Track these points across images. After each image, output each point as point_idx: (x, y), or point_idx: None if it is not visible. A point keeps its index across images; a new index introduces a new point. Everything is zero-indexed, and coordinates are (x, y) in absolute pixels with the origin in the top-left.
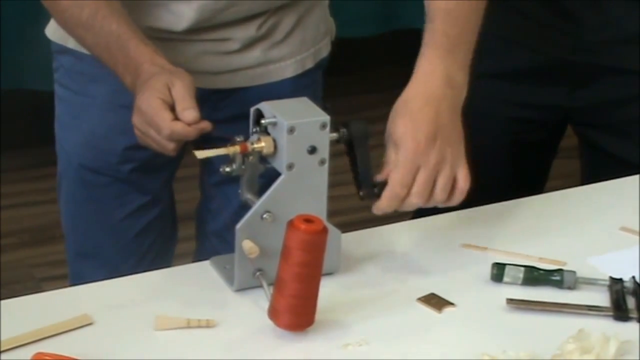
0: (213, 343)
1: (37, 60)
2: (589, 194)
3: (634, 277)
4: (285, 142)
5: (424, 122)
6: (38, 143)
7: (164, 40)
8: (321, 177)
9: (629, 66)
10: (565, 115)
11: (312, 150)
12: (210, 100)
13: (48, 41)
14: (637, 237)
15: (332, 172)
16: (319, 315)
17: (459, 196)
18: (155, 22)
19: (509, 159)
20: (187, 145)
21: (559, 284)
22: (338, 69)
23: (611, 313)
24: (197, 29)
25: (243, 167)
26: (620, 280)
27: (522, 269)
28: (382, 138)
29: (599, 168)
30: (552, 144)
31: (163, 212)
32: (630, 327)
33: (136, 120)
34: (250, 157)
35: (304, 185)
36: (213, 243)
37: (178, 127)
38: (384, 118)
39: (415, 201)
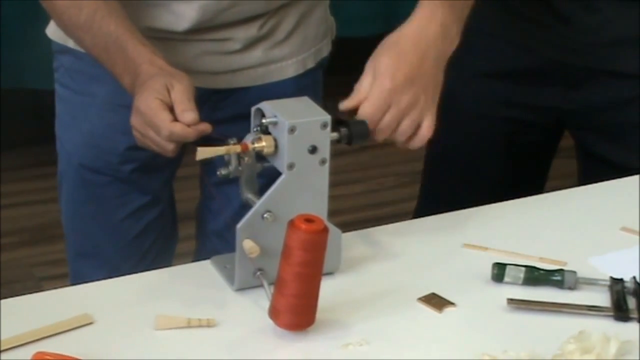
0: (213, 343)
1: (37, 59)
2: (589, 194)
3: (634, 277)
4: (286, 142)
5: (407, 63)
6: (38, 142)
7: (164, 40)
8: (322, 176)
9: (622, 69)
10: (561, 117)
11: (313, 149)
12: (211, 100)
13: (48, 40)
14: (638, 237)
15: (333, 172)
16: (319, 315)
17: (418, 142)
18: (156, 23)
19: (506, 160)
20: (186, 146)
21: (560, 284)
22: (338, 69)
23: (612, 313)
24: (198, 29)
25: (239, 168)
26: (621, 280)
27: (523, 269)
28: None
29: (593, 172)
30: (549, 145)
31: (163, 211)
32: (631, 327)
33: (135, 121)
34: (246, 158)
35: (304, 185)
36: (213, 242)
37: (177, 128)
38: None
39: (378, 137)
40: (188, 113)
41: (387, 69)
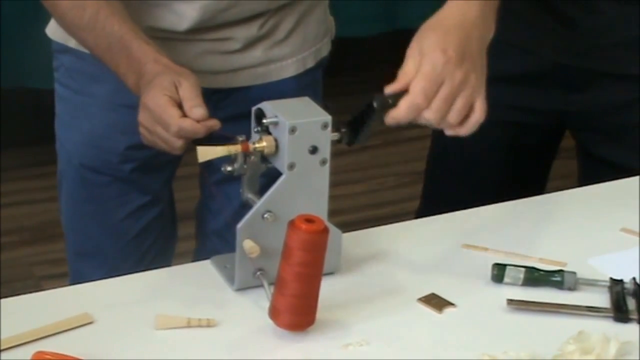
0: (213, 342)
1: (37, 58)
2: (589, 195)
3: (634, 278)
4: (287, 142)
5: (456, 39)
6: (38, 141)
7: (165, 40)
8: (322, 177)
9: (625, 71)
10: (563, 120)
11: (314, 150)
12: (211, 99)
13: (48, 39)
14: (638, 238)
15: (333, 172)
16: (319, 315)
17: (471, 126)
18: (157, 22)
19: (508, 162)
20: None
21: (560, 285)
22: (338, 69)
23: (611, 314)
24: (199, 29)
25: (245, 166)
26: (621, 281)
27: (523, 269)
28: (382, 137)
29: (593, 173)
30: (550, 146)
31: (163, 211)
32: (631, 328)
33: (143, 118)
34: (252, 157)
35: (305, 185)
36: (213, 242)
37: (186, 123)
38: None
39: (431, 116)
40: (197, 109)
41: (437, 44)
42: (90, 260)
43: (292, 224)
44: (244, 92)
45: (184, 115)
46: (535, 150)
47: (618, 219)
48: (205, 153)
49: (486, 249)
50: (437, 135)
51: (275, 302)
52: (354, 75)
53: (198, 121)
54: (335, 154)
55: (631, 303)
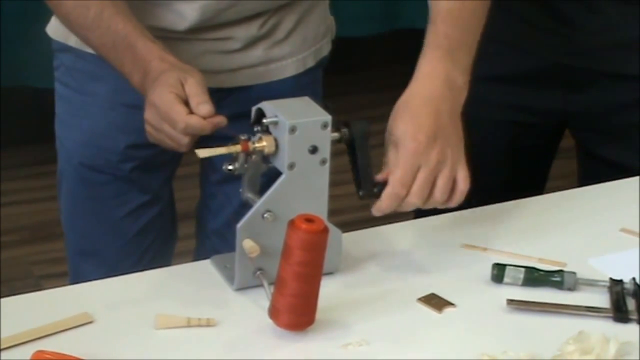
0: (213, 342)
1: (37, 57)
2: (589, 195)
3: (634, 279)
4: (287, 142)
5: (425, 121)
6: (38, 140)
7: (165, 39)
8: (322, 176)
9: (625, 71)
10: (563, 120)
11: (314, 149)
12: (212, 99)
13: (48, 38)
14: (638, 239)
15: (333, 172)
16: (319, 315)
17: (458, 197)
18: (157, 22)
19: (507, 162)
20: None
21: (559, 285)
22: (338, 68)
23: (611, 314)
24: (199, 28)
25: (246, 165)
26: (621, 281)
27: (523, 269)
28: (382, 137)
29: (593, 173)
30: (550, 146)
31: (163, 210)
32: (630, 328)
33: (149, 115)
34: (253, 156)
35: (305, 185)
36: (213, 242)
37: (193, 120)
38: (384, 118)
39: (414, 201)
40: (204, 105)
41: (406, 132)
42: (90, 260)
43: (292, 223)
44: (244, 91)
45: (191, 112)
46: (535, 150)
47: (618, 219)
48: (206, 149)
49: (486, 249)
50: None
51: (275, 302)
52: (354, 75)
53: (205, 118)
54: (335, 154)
55: (631, 303)
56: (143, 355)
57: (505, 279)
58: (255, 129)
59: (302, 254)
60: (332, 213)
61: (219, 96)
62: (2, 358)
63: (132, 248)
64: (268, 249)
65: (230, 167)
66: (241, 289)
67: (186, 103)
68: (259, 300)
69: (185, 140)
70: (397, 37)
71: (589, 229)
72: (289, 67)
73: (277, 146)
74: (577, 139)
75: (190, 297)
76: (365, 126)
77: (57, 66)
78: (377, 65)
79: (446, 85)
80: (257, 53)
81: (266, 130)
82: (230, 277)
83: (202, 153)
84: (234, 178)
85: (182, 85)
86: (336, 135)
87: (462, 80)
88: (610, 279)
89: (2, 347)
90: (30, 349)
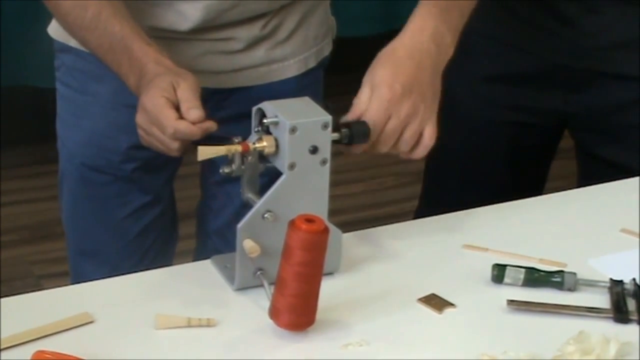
0: (213, 342)
1: (38, 57)
2: (589, 195)
3: (634, 279)
4: (287, 142)
5: (404, 72)
6: (39, 140)
7: (167, 39)
8: (322, 177)
9: (625, 71)
10: (562, 120)
11: (314, 150)
12: (213, 99)
13: (49, 38)
14: (638, 239)
15: (333, 172)
16: (319, 315)
17: (421, 151)
18: (160, 22)
19: (507, 162)
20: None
21: (560, 286)
22: (339, 68)
23: (611, 315)
24: (201, 29)
25: (243, 167)
26: (621, 282)
27: (523, 270)
28: None
29: (593, 173)
30: (549, 146)
31: (164, 211)
32: (631, 329)
33: (140, 119)
34: (249, 157)
35: (305, 185)
36: (214, 241)
37: (182, 125)
38: None
39: (381, 148)
40: (194, 110)
41: (384, 80)
42: (90, 260)
43: (292, 223)
44: (245, 92)
45: (181, 117)
46: (534, 151)
47: (618, 219)
48: (205, 152)
49: (486, 250)
50: (437, 135)
51: (275, 302)
52: (355, 75)
53: (194, 123)
54: (335, 154)
55: (631, 304)
56: (143, 355)
57: (506, 280)
58: (256, 129)
59: (303, 254)
60: (332, 213)
61: (221, 96)
62: (2, 358)
63: (133, 248)
64: (268, 249)
65: (226, 170)
66: (241, 289)
67: (178, 107)
68: (259, 301)
69: (174, 145)
70: None
71: (589, 229)
72: (290, 68)
73: (277, 146)
74: (576, 139)
75: (190, 297)
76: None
77: (58, 66)
78: None
79: (433, 41)
80: (259, 53)
81: (267, 131)
82: (230, 277)
83: (202, 155)
84: (234, 178)
85: (175, 89)
86: (336, 135)
87: (450, 39)
88: (611, 279)
89: (2, 347)
90: (31, 349)
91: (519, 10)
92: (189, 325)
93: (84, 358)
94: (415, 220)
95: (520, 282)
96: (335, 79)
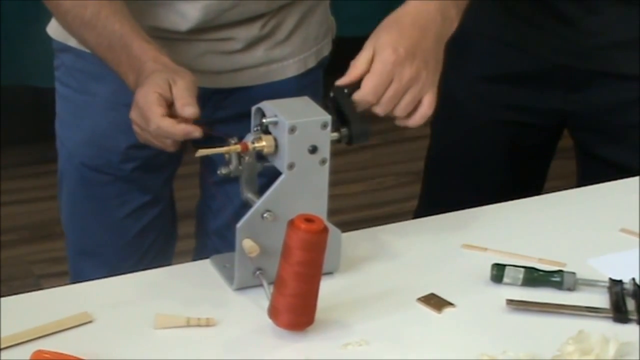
0: (213, 342)
1: (38, 56)
2: (589, 195)
3: (633, 279)
4: (286, 142)
5: (409, 37)
6: (38, 139)
7: (167, 40)
8: (322, 176)
9: (625, 71)
10: (562, 120)
11: (313, 149)
12: (212, 99)
13: (49, 37)
14: (637, 239)
15: (333, 171)
16: (318, 315)
17: (419, 119)
18: (159, 22)
19: (506, 162)
20: (187, 144)
21: (559, 285)
22: (338, 69)
23: (611, 315)
24: (201, 29)
25: (240, 167)
26: (620, 281)
27: (522, 269)
28: (382, 137)
29: (592, 173)
30: (549, 146)
31: (163, 210)
32: (630, 328)
33: (133, 114)
34: (247, 157)
35: (304, 185)
36: (213, 241)
37: (165, 123)
38: (384, 117)
39: (379, 110)
40: (188, 107)
41: (389, 43)
42: (90, 260)
43: (291, 223)
44: (245, 92)
45: (173, 114)
46: (534, 150)
47: (617, 219)
48: (204, 150)
49: (485, 249)
50: (436, 135)
51: (274, 302)
52: None
53: (189, 120)
54: (334, 154)
55: (630, 304)
56: (142, 355)
57: (505, 279)
58: (255, 129)
59: (302, 253)
60: (332, 213)
61: (220, 97)
62: (1, 357)
63: (133, 248)
64: (268, 249)
65: (224, 171)
66: (241, 288)
67: (171, 104)
68: (259, 300)
69: (167, 140)
70: None
71: (589, 229)
72: (290, 68)
73: (276, 146)
74: (576, 139)
75: (189, 296)
76: (365, 128)
77: (57, 66)
78: None
79: (439, 12)
80: (259, 54)
81: (266, 130)
82: (229, 277)
83: (201, 152)
84: (233, 178)
85: (170, 87)
86: (336, 135)
87: (454, 12)
88: (610, 279)
89: (1, 346)
90: (30, 349)
91: (519, 10)
92: (188, 325)
93: (83, 358)
94: (414, 220)
95: (520, 282)
96: (335, 79)
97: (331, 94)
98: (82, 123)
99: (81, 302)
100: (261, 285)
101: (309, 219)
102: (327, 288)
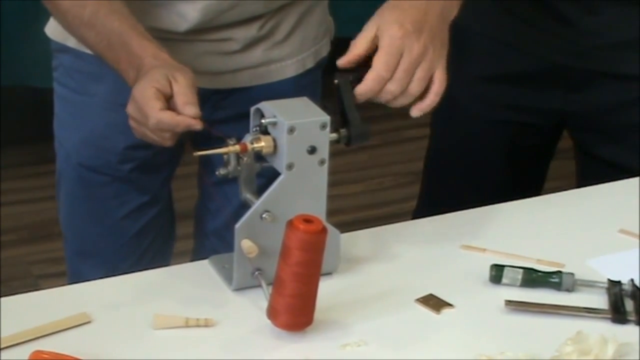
0: (211, 342)
1: (36, 57)
2: (588, 196)
3: (632, 280)
4: (285, 142)
5: (413, 15)
6: (37, 139)
7: (165, 40)
8: (321, 177)
9: (624, 71)
10: (562, 120)
11: (312, 150)
12: (211, 100)
13: (48, 38)
14: (636, 240)
15: (332, 172)
16: (317, 315)
17: (432, 97)
18: (158, 23)
19: (506, 162)
20: (185, 144)
21: (558, 286)
22: (337, 69)
23: (609, 315)
24: (199, 30)
25: (238, 168)
26: (619, 282)
27: (521, 270)
28: (382, 138)
29: (592, 173)
30: (548, 146)
31: (162, 211)
32: (629, 329)
33: (130, 109)
34: (246, 158)
35: (303, 185)
36: (212, 242)
37: (165, 115)
38: (383, 118)
39: (394, 88)
40: (190, 107)
41: (394, 20)
42: (88, 260)
43: (290, 224)
44: (244, 92)
45: (169, 108)
46: (533, 150)
47: (617, 220)
48: (204, 152)
49: (484, 250)
50: (435, 135)
51: (273, 302)
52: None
53: (192, 117)
54: (333, 154)
55: (629, 304)
56: (141, 356)
57: (504, 280)
58: (254, 130)
59: (301, 254)
60: (331, 213)
61: (219, 97)
62: (0, 358)
63: (131, 249)
64: (266, 249)
65: (222, 172)
66: (239, 289)
67: (168, 99)
68: (257, 301)
69: (165, 134)
70: None
71: (588, 229)
72: (288, 68)
73: (275, 146)
74: (575, 139)
75: (188, 297)
76: (365, 128)
77: (56, 66)
78: None
79: None
80: (257, 54)
81: (265, 131)
82: (228, 277)
83: (200, 152)
84: (231, 179)
85: (170, 83)
86: (335, 135)
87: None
88: (609, 280)
89: (0, 346)
90: (29, 349)
91: (518, 10)
92: (187, 326)
93: (82, 358)
94: (413, 221)
95: (518, 283)
96: (334, 79)
97: (335, 81)
98: (80, 123)
99: (80, 303)
100: (260, 285)
101: (307, 220)
102: (326, 288)
